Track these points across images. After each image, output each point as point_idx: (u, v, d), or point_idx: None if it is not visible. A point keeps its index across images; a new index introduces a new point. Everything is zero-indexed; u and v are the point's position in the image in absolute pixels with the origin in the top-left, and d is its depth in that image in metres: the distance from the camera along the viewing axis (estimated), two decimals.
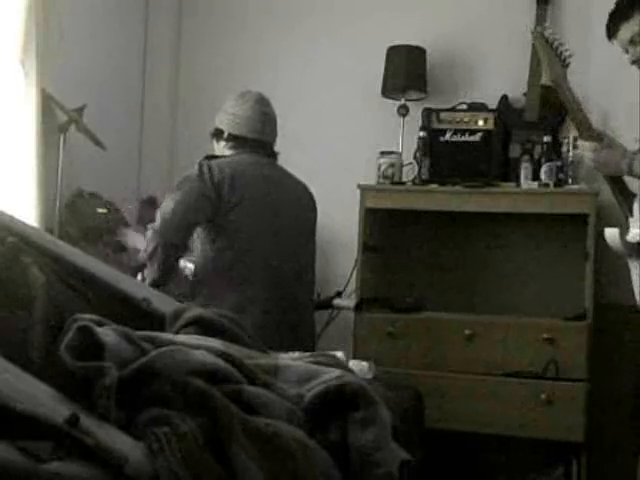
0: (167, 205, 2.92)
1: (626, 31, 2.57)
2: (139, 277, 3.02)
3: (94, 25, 3.89)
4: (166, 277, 2.92)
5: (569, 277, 3.57)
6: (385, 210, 3.67)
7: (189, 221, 2.92)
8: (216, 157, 3.05)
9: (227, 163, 2.97)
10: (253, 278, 2.90)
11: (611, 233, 2.54)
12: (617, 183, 2.57)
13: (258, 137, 3.07)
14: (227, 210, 2.91)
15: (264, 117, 3.09)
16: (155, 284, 2.84)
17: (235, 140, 3.07)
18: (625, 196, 2.56)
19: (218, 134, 3.11)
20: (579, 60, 3.71)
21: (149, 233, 2.93)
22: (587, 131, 2.54)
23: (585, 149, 2.55)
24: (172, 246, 2.91)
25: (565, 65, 2.49)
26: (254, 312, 2.79)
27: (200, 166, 2.93)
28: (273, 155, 3.14)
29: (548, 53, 2.46)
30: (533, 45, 3.72)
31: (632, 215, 2.52)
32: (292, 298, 2.99)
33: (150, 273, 2.91)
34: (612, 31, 2.62)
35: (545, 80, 2.50)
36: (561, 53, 2.47)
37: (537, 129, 3.63)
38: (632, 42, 2.57)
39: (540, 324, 3.33)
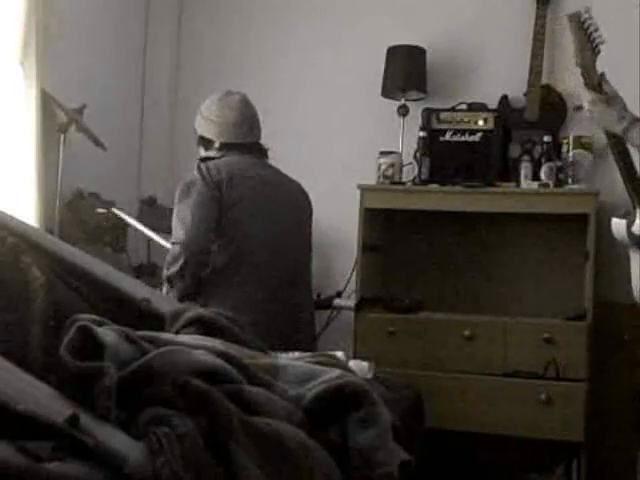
0: (184, 216, 2.90)
1: None
2: (163, 291, 2.99)
3: (94, 25, 3.89)
4: (197, 288, 2.89)
5: (569, 277, 3.57)
6: (385, 210, 3.67)
7: (209, 225, 2.90)
8: (210, 159, 3.04)
9: (223, 164, 2.98)
10: (251, 278, 2.90)
11: (618, 223, 2.51)
12: (629, 171, 2.52)
13: (248, 140, 3.08)
14: (226, 210, 2.91)
15: (250, 120, 3.10)
16: (186, 298, 2.82)
17: (227, 147, 3.06)
18: (635, 185, 2.53)
19: (207, 143, 3.10)
20: None
21: (175, 248, 2.90)
22: (592, 81, 2.45)
23: (585, 99, 2.43)
24: (202, 254, 2.90)
25: (596, 52, 2.42)
26: (253, 312, 2.78)
27: (199, 168, 2.93)
28: (264, 154, 3.14)
29: (580, 37, 2.37)
30: (533, 45, 3.73)
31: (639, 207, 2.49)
32: (290, 297, 2.99)
33: (181, 288, 2.88)
34: None
35: (575, 64, 2.42)
36: (594, 39, 2.41)
37: (537, 129, 3.63)
38: None
39: (540, 324, 3.33)
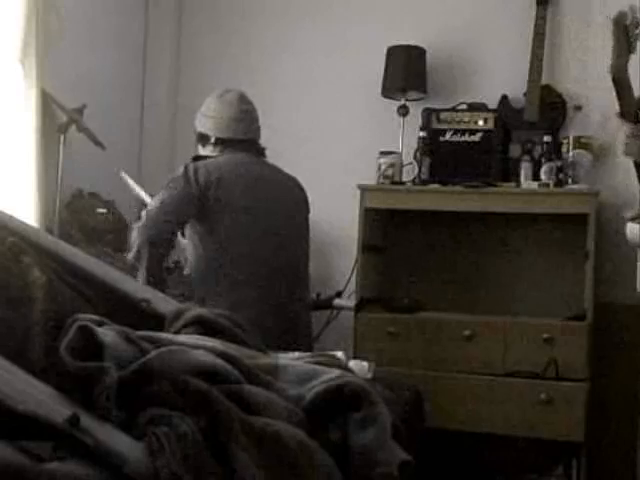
0: (152, 204, 2.95)
1: None
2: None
3: (94, 25, 3.89)
4: (156, 277, 2.89)
5: (569, 277, 3.57)
6: (385, 210, 3.67)
7: (172, 219, 2.92)
8: (204, 157, 3.05)
9: (214, 164, 2.98)
10: (246, 277, 2.90)
11: (634, 227, 2.48)
12: None
13: (245, 137, 3.08)
14: (216, 211, 2.91)
15: (248, 116, 3.10)
16: (147, 282, 2.82)
17: (223, 143, 3.07)
18: None
19: (204, 139, 3.11)
20: (578, 60, 3.73)
21: (134, 233, 2.93)
22: (630, 113, 2.39)
23: (625, 131, 2.37)
24: (154, 244, 2.89)
25: (632, 50, 2.32)
26: (248, 312, 2.78)
27: (186, 168, 2.94)
28: (261, 152, 3.14)
29: (621, 39, 2.26)
30: (533, 45, 3.73)
31: None
32: (286, 296, 2.99)
33: (140, 275, 2.89)
34: None
35: (609, 70, 2.32)
36: (634, 39, 2.27)
37: (537, 129, 3.63)
38: None
39: (540, 324, 3.33)
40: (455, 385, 3.32)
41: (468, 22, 3.96)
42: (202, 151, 3.12)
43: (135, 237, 2.91)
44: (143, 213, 2.96)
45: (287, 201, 3.10)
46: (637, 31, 2.26)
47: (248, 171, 3.02)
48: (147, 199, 3.37)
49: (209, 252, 2.93)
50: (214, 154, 3.07)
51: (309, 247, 3.18)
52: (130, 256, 2.92)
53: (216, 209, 2.91)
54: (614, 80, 2.31)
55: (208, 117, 3.09)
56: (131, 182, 3.48)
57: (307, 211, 3.20)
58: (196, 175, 2.91)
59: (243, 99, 3.11)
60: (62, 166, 3.41)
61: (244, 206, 2.95)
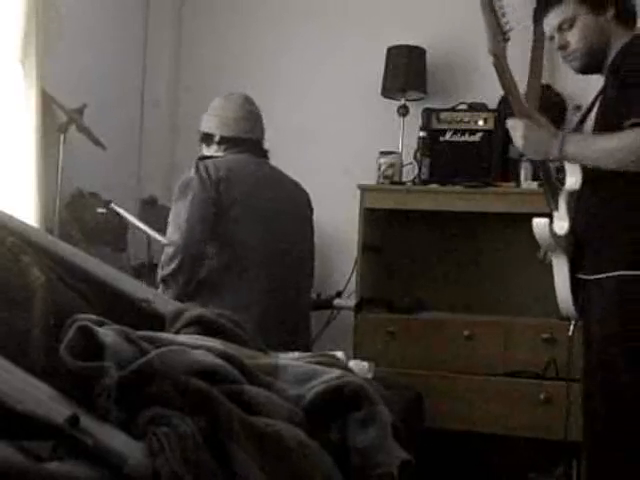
0: (180, 218, 2.90)
1: (555, 17, 2.42)
2: (159, 291, 2.99)
3: (94, 25, 3.89)
4: (191, 289, 2.88)
5: None
6: (385, 210, 3.67)
7: (204, 227, 2.89)
8: (209, 157, 3.05)
9: (222, 162, 2.98)
10: (251, 278, 2.90)
11: (540, 223, 2.47)
12: (546, 173, 2.51)
13: (249, 136, 3.08)
14: (225, 209, 2.91)
15: (252, 116, 3.11)
16: (180, 298, 2.79)
17: (227, 142, 3.07)
18: (552, 189, 2.50)
19: (208, 138, 3.11)
20: None
21: (170, 250, 2.89)
22: (519, 110, 2.41)
23: (517, 127, 2.40)
24: (196, 257, 2.89)
25: (505, 39, 2.40)
26: (253, 312, 2.78)
27: (197, 167, 2.93)
28: (264, 153, 3.15)
29: (491, 23, 2.35)
30: (533, 44, 3.73)
31: (557, 209, 2.47)
32: (291, 296, 3.00)
33: (175, 289, 2.86)
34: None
35: (487, 51, 2.40)
36: (502, 25, 2.35)
37: None
38: (560, 29, 2.42)
39: (540, 324, 3.33)
40: (455, 385, 3.32)
41: (468, 22, 3.93)
42: (206, 151, 3.13)
43: (172, 255, 2.87)
44: (171, 225, 2.92)
45: (293, 201, 3.12)
46: (505, 19, 2.30)
47: (254, 170, 3.03)
48: (147, 230, 3.35)
49: (215, 251, 2.93)
50: (219, 153, 3.07)
51: (314, 247, 3.19)
52: (165, 273, 2.88)
53: (225, 208, 2.91)
54: (495, 64, 2.34)
55: (213, 116, 3.10)
56: (124, 213, 3.47)
57: (311, 212, 3.21)
58: (208, 173, 2.91)
59: (248, 100, 3.13)
60: (62, 166, 3.41)
61: (250, 206, 2.95)
